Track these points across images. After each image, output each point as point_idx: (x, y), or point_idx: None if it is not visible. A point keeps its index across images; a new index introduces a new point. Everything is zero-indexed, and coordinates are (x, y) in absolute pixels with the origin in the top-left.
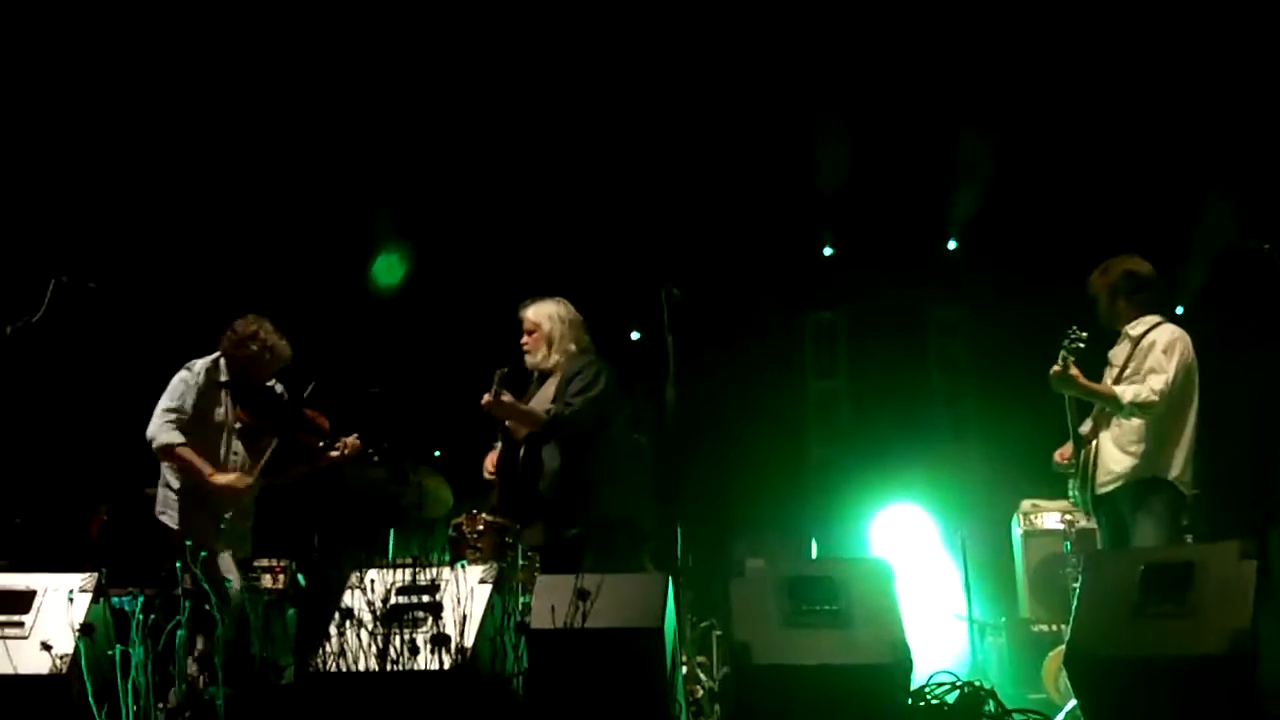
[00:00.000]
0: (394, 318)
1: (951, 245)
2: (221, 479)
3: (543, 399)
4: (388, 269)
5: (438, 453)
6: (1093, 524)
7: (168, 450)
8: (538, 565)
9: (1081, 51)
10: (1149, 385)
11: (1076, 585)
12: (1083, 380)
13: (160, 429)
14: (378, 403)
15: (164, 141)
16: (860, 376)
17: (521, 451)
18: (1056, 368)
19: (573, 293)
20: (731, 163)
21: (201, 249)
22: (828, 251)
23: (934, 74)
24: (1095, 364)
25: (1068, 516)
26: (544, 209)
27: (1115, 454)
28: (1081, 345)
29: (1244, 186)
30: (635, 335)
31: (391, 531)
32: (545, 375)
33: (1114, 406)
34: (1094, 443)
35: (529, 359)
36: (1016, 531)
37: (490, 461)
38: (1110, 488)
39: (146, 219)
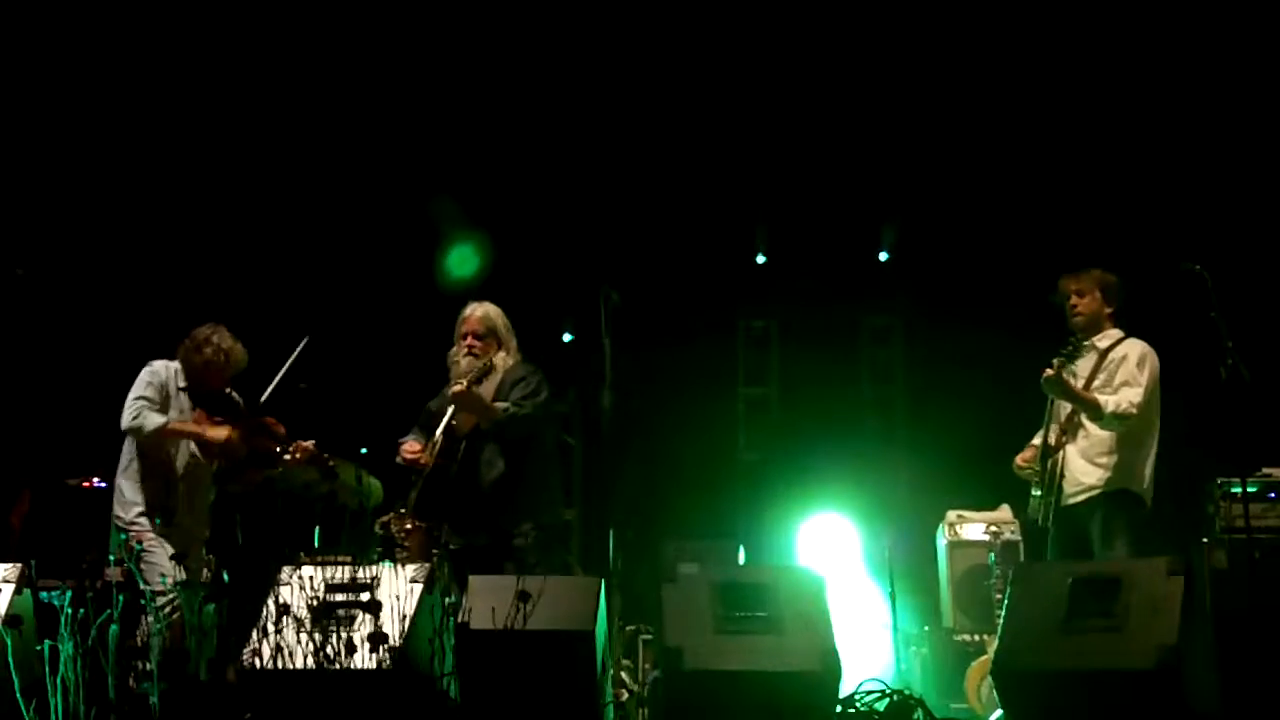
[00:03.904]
0: (320, 313)
1: (883, 256)
2: (215, 433)
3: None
4: (461, 261)
5: (364, 449)
6: (1017, 536)
7: (156, 433)
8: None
9: (1013, 67)
10: (1126, 398)
11: (1000, 596)
12: (1071, 384)
13: (143, 417)
14: (306, 399)
15: (94, 132)
16: (791, 384)
17: (462, 448)
18: (1050, 370)
19: (504, 293)
20: (667, 168)
21: (128, 239)
22: (761, 259)
23: (870, 86)
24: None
25: (992, 528)
26: (478, 208)
27: (1084, 466)
28: (1080, 355)
29: (1176, 206)
30: (567, 338)
31: (317, 529)
32: (480, 379)
33: (1094, 414)
34: (1060, 453)
35: (475, 360)
36: (941, 542)
37: (410, 449)
38: (1078, 499)
39: (74, 207)
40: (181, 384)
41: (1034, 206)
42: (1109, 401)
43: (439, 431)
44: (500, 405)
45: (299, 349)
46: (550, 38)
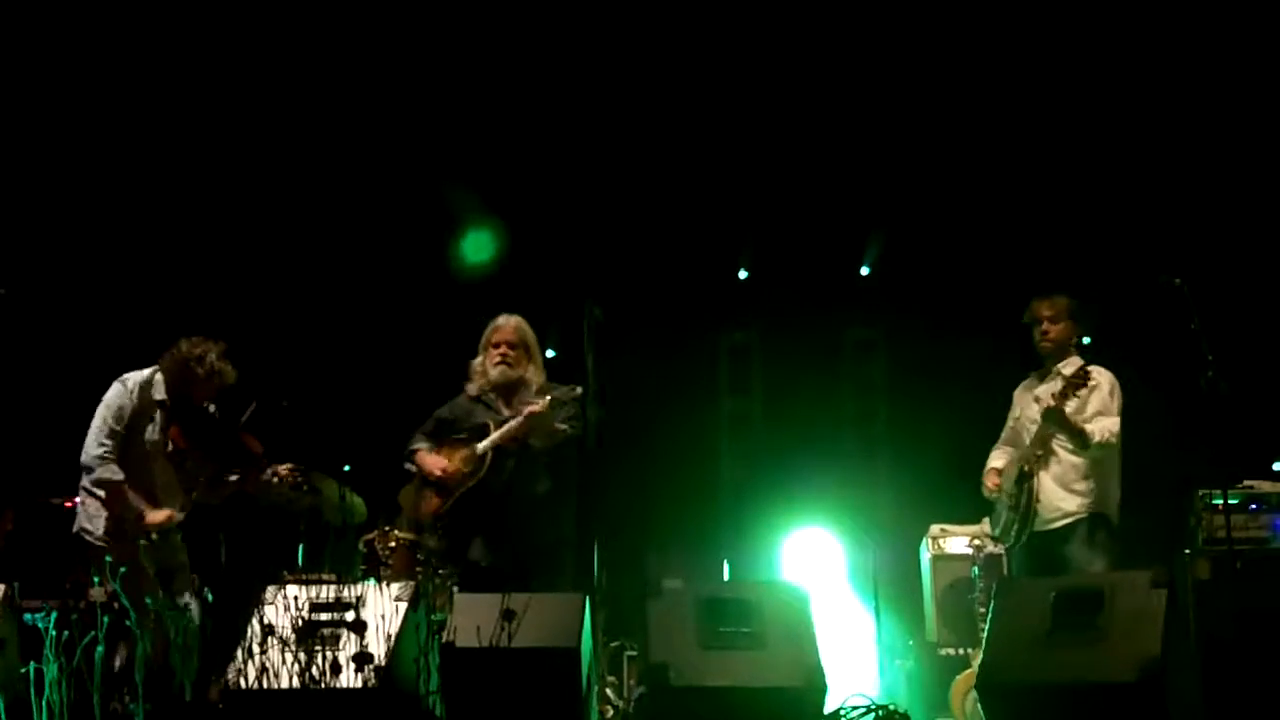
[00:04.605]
0: (302, 330)
1: (864, 271)
2: (153, 518)
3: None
4: (477, 247)
5: (347, 467)
6: (1000, 549)
7: (106, 485)
8: (453, 583)
9: (993, 84)
10: (1106, 427)
11: (984, 610)
12: (1067, 415)
13: (100, 461)
14: (287, 416)
15: (72, 151)
16: (774, 397)
17: (509, 464)
18: (1051, 401)
19: (486, 308)
20: (649, 183)
21: (108, 257)
22: (743, 275)
23: (851, 101)
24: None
25: (975, 542)
26: (462, 224)
27: (1060, 492)
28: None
29: (1156, 220)
30: (550, 353)
31: (301, 546)
32: (508, 388)
33: (1080, 442)
34: (1034, 479)
35: (509, 370)
36: (925, 555)
37: (438, 465)
38: (1056, 525)
39: (53, 227)
40: (160, 396)
41: (1016, 221)
42: (1094, 430)
43: (485, 444)
44: (561, 426)
45: (247, 412)
46: (534, 54)
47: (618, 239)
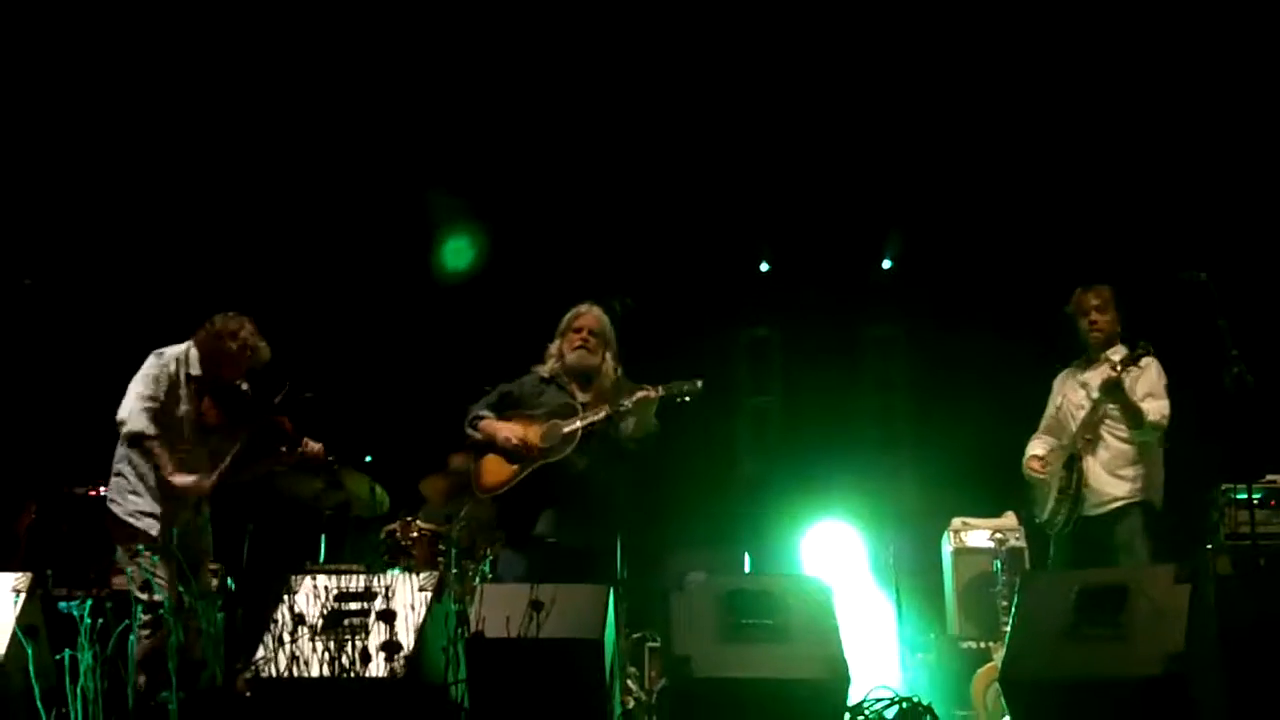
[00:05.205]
0: (323, 322)
1: (886, 264)
2: (180, 480)
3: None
4: (456, 253)
5: (369, 458)
6: (1022, 543)
7: (138, 438)
8: (478, 574)
9: (1014, 78)
10: (1158, 409)
11: (1006, 603)
12: (1125, 391)
13: (136, 415)
14: (311, 407)
15: (96, 144)
16: (794, 393)
17: (593, 447)
18: (1112, 374)
19: (508, 303)
20: (670, 176)
21: (134, 250)
22: (764, 267)
23: (873, 96)
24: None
25: (997, 535)
26: (483, 218)
27: (1109, 478)
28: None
29: (1179, 214)
30: None
31: (323, 537)
32: (584, 374)
33: (1135, 421)
34: (1080, 464)
35: (589, 359)
36: (946, 549)
37: (516, 433)
38: (1104, 510)
39: (79, 218)
40: (194, 371)
41: (1037, 215)
42: (1148, 409)
43: (580, 424)
44: (654, 421)
45: (281, 394)
46: (558, 47)
47: (638, 233)
